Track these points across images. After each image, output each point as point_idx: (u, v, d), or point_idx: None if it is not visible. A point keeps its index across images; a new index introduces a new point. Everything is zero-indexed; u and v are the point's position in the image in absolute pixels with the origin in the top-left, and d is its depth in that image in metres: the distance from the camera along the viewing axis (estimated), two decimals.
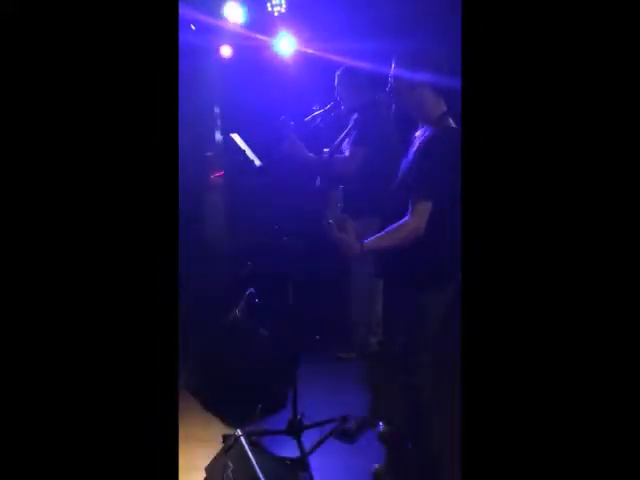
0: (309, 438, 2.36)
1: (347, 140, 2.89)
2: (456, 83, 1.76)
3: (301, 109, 3.03)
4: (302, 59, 3.48)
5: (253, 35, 3.46)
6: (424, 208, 1.81)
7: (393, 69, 1.96)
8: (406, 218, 1.83)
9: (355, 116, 2.85)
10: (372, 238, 1.90)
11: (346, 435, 2.46)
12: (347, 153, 2.83)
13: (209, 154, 3.74)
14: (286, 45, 3.44)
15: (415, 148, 1.92)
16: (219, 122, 3.79)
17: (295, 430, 2.34)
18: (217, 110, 3.80)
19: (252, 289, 2.87)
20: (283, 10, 3.53)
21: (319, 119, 2.88)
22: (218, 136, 3.79)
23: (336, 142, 2.93)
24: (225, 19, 3.39)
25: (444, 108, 1.94)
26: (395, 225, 1.86)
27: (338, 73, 2.89)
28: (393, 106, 2.08)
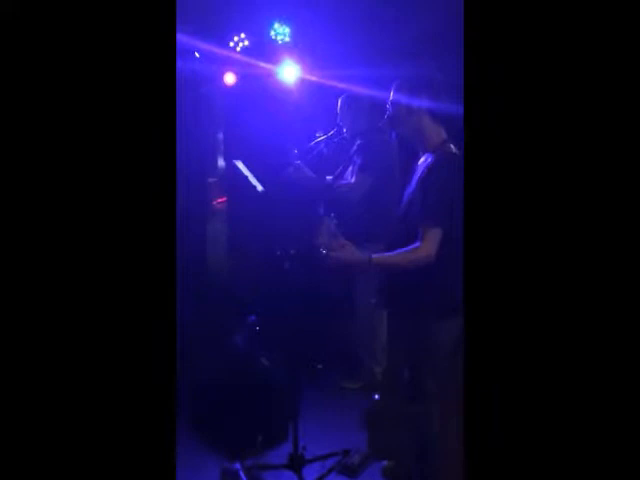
0: (311, 473, 2.29)
1: (350, 167, 2.88)
2: (456, 110, 1.78)
3: (305, 136, 3.03)
4: (306, 87, 3.50)
5: (257, 63, 3.49)
6: (434, 235, 1.79)
7: (392, 96, 1.96)
8: (418, 243, 1.80)
9: (358, 142, 2.85)
10: (382, 254, 1.86)
11: (349, 470, 2.38)
12: (352, 179, 2.82)
13: (212, 180, 3.74)
14: (290, 73, 3.47)
15: (419, 176, 1.90)
16: (222, 148, 3.80)
17: (296, 464, 2.28)
18: (220, 136, 3.81)
19: (253, 316, 2.83)
20: (287, 39, 3.57)
21: (322, 145, 2.88)
22: (221, 162, 3.79)
23: (339, 169, 2.93)
24: (229, 47, 3.43)
25: (444, 135, 1.93)
26: (407, 247, 1.82)
27: (341, 99, 2.91)
28: (394, 134, 2.08)
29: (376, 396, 2.33)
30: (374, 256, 1.83)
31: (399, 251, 1.85)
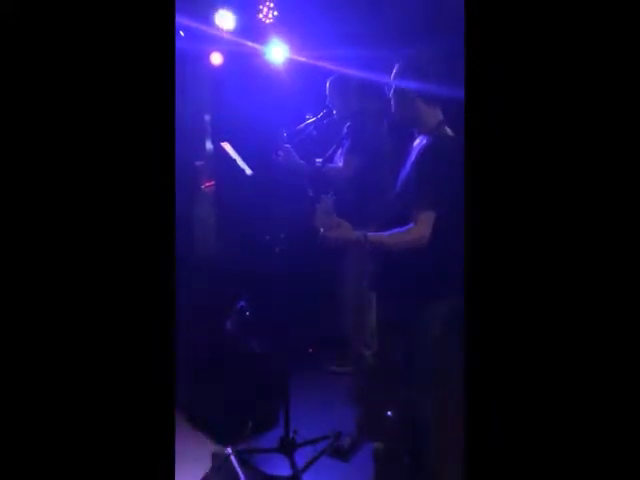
0: (302, 456, 2.30)
1: (340, 150, 2.85)
2: (450, 92, 1.76)
3: (293, 117, 2.99)
4: (294, 67, 3.44)
5: (244, 42, 3.41)
6: (428, 218, 1.78)
7: (390, 79, 1.95)
8: (411, 225, 1.79)
9: (348, 124, 2.82)
10: (377, 233, 1.86)
11: (340, 453, 2.40)
12: (341, 162, 2.79)
13: (199, 163, 3.68)
14: (278, 53, 3.40)
15: (414, 158, 1.89)
16: (209, 130, 3.74)
17: (287, 448, 2.29)
18: (207, 118, 3.75)
19: (243, 302, 2.81)
20: (275, 13, 3.49)
21: (312, 127, 2.84)
22: (209, 145, 3.73)
23: (329, 152, 2.90)
24: (215, 26, 3.35)
25: (440, 117, 1.92)
26: (402, 228, 1.81)
27: (330, 81, 2.86)
28: (385, 118, 2.06)
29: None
30: (369, 234, 1.83)
31: (394, 231, 1.84)
